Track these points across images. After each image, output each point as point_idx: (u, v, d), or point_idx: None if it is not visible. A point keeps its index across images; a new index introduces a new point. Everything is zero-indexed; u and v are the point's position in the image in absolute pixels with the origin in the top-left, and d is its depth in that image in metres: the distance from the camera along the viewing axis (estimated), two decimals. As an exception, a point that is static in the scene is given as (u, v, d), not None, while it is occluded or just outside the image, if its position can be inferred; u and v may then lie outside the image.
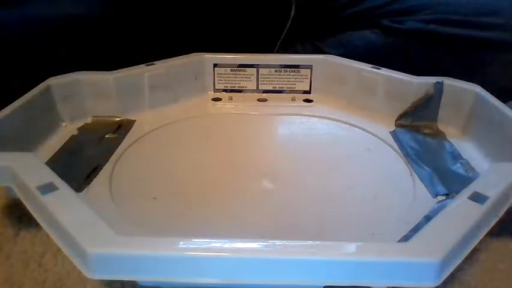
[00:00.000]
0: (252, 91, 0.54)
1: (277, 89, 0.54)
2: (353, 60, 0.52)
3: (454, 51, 0.53)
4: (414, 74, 0.48)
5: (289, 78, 0.53)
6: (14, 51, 0.50)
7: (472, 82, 0.45)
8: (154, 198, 0.36)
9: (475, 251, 0.32)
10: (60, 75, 0.46)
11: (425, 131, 0.46)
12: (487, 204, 0.28)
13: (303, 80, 0.53)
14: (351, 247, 0.25)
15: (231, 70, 0.53)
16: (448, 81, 0.46)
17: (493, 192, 0.29)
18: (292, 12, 0.55)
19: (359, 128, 0.47)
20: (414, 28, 0.53)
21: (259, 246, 0.24)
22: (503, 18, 0.51)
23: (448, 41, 0.52)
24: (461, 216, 0.27)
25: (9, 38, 0.50)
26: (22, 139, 0.40)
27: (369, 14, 0.55)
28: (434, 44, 0.53)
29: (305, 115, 0.51)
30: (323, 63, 0.53)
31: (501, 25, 0.51)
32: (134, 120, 0.48)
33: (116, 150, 0.42)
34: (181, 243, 0.24)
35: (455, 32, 0.51)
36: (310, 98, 0.53)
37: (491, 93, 0.43)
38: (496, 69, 0.52)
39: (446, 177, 0.38)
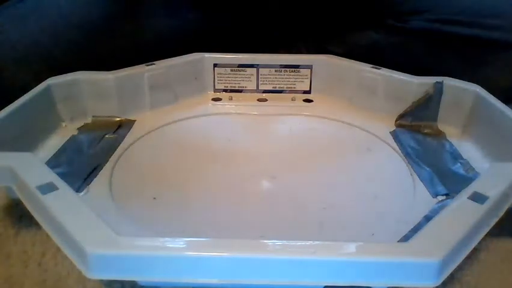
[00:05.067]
0: (252, 91, 0.54)
1: (277, 89, 0.54)
2: (353, 60, 0.52)
3: (457, 50, 0.53)
4: (417, 74, 0.48)
5: (289, 78, 0.53)
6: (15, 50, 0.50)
7: (474, 81, 0.45)
8: (154, 198, 0.36)
9: (475, 251, 0.33)
10: (60, 75, 0.46)
11: (425, 131, 0.46)
12: (487, 204, 0.28)
13: (303, 80, 0.53)
14: (351, 247, 0.25)
15: (231, 70, 0.53)
16: (448, 81, 0.46)
17: (493, 192, 0.29)
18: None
19: (359, 128, 0.47)
20: (418, 27, 0.53)
21: (259, 246, 0.24)
22: (505, 21, 0.52)
23: (451, 40, 0.52)
24: (461, 216, 0.27)
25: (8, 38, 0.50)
26: (22, 139, 0.40)
27: (374, 14, 0.56)
28: (437, 44, 0.53)
29: (305, 115, 0.51)
30: (323, 63, 0.53)
31: (503, 26, 0.52)
32: (134, 120, 0.48)
33: (116, 150, 0.42)
34: (181, 243, 0.25)
35: (458, 31, 0.52)
36: (310, 98, 0.53)
37: (492, 92, 0.43)
38: (498, 69, 0.53)
39: (446, 177, 0.38)
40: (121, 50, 0.53)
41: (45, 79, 0.45)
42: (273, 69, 0.53)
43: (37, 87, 0.43)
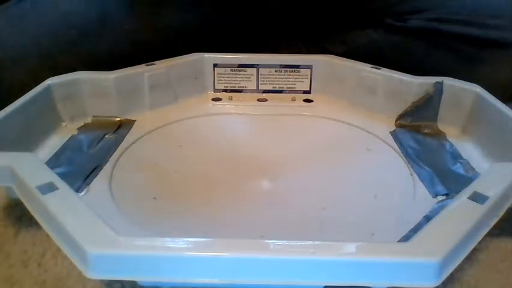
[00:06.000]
0: (252, 91, 0.54)
1: (277, 89, 0.54)
2: (352, 60, 0.52)
3: (456, 49, 0.53)
4: (417, 73, 0.48)
5: (289, 78, 0.53)
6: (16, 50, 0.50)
7: (473, 80, 0.46)
8: (154, 198, 0.36)
9: (475, 251, 0.33)
10: (61, 75, 0.46)
11: (425, 131, 0.46)
12: (487, 204, 0.28)
13: (303, 80, 0.53)
14: (351, 247, 0.25)
15: (231, 70, 0.53)
16: (448, 81, 0.46)
17: (493, 192, 0.29)
18: None
19: (359, 128, 0.47)
20: (417, 26, 0.53)
21: (259, 246, 0.24)
22: (504, 20, 0.52)
23: (450, 39, 0.53)
24: (461, 216, 0.27)
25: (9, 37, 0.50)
26: (22, 139, 0.40)
27: (373, 14, 0.56)
28: (436, 43, 0.53)
29: (305, 115, 0.51)
30: (323, 63, 0.53)
31: (502, 26, 0.52)
32: (134, 120, 0.48)
33: (116, 150, 0.42)
34: (181, 243, 0.25)
35: (457, 30, 0.52)
36: (310, 98, 0.53)
37: (491, 91, 0.43)
38: (496, 67, 0.53)
39: (446, 177, 0.38)
40: (121, 50, 0.53)
41: (45, 79, 0.45)
42: (273, 69, 0.53)
43: (37, 87, 0.43)
